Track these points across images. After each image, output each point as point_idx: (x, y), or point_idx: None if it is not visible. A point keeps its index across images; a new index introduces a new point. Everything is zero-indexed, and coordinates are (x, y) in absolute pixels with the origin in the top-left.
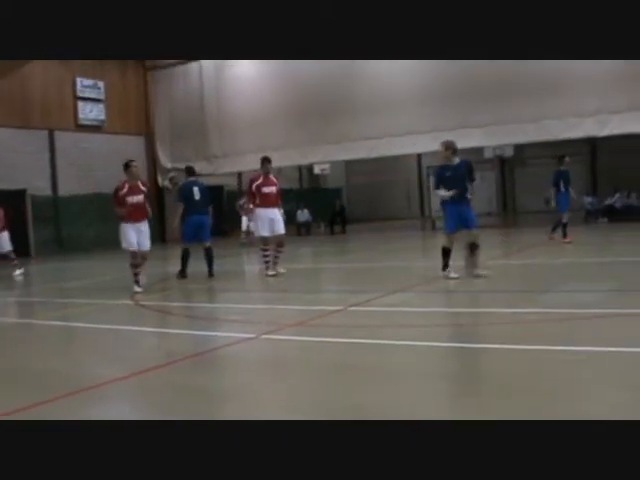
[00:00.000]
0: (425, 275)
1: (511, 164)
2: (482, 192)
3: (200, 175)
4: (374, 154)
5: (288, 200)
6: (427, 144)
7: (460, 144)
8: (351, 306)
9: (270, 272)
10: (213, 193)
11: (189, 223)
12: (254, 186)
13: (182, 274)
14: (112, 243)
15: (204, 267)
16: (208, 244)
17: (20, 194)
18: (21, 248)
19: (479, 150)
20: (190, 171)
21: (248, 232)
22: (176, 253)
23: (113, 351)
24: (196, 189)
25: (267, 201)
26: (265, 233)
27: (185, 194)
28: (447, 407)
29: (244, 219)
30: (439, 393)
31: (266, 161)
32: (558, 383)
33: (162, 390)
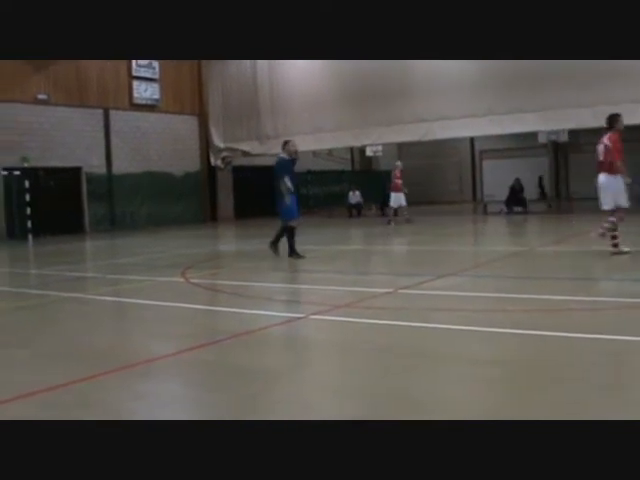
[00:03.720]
0: (476, 260)
1: (565, 150)
2: (535, 177)
3: (251, 155)
4: (428, 137)
5: (340, 181)
6: (481, 128)
7: (514, 129)
8: (401, 289)
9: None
10: (265, 173)
11: (293, 201)
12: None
13: (295, 254)
14: (164, 221)
15: (253, 245)
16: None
17: (75, 172)
18: (76, 225)
19: (533, 135)
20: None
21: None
22: (227, 232)
23: (162, 328)
24: (293, 167)
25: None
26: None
27: (288, 170)
28: (492, 396)
29: (395, 196)
30: (486, 380)
31: None
32: (606, 372)
33: (210, 368)
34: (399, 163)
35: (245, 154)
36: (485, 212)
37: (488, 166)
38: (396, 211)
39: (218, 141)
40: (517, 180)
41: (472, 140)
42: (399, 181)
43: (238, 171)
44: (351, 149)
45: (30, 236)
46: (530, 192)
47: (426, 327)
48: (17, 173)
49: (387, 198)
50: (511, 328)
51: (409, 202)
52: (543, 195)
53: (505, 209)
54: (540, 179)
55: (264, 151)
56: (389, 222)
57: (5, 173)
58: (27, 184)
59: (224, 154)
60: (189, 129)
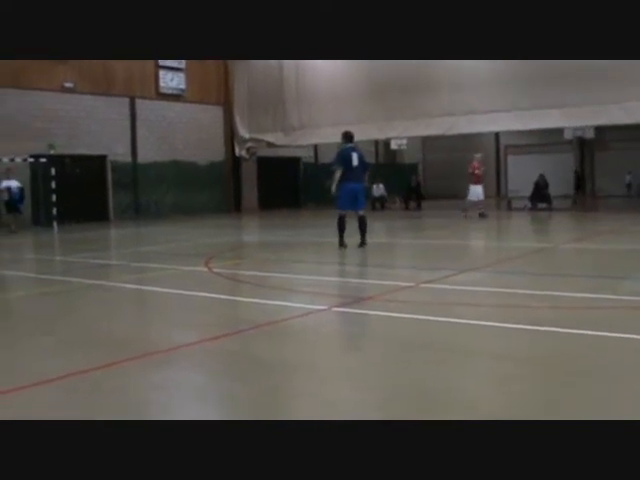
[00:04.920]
0: (498, 255)
1: (591, 146)
2: (559, 174)
3: (276, 146)
4: (453, 131)
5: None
6: (506, 123)
7: (539, 124)
8: (423, 283)
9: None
10: (290, 164)
11: (345, 190)
12: None
13: (341, 243)
14: (188, 210)
15: (276, 236)
16: (362, 212)
17: (101, 160)
18: (100, 212)
19: (559, 131)
20: (348, 137)
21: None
22: (251, 222)
23: (184, 317)
24: (355, 155)
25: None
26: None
27: (344, 160)
28: (515, 393)
29: (474, 188)
30: (509, 377)
31: None
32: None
33: (231, 359)
34: (479, 155)
35: (270, 145)
36: (509, 208)
37: (513, 161)
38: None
39: (243, 131)
40: (541, 176)
41: (497, 135)
42: (479, 172)
43: (263, 162)
44: (375, 142)
45: (55, 223)
46: (555, 188)
47: (448, 322)
48: (43, 160)
49: (411, 191)
50: (535, 325)
51: (434, 196)
52: (578, 189)
53: (529, 205)
54: (576, 174)
55: (289, 142)
56: (465, 216)
57: (32, 160)
58: (53, 171)
59: (249, 145)
60: (214, 119)
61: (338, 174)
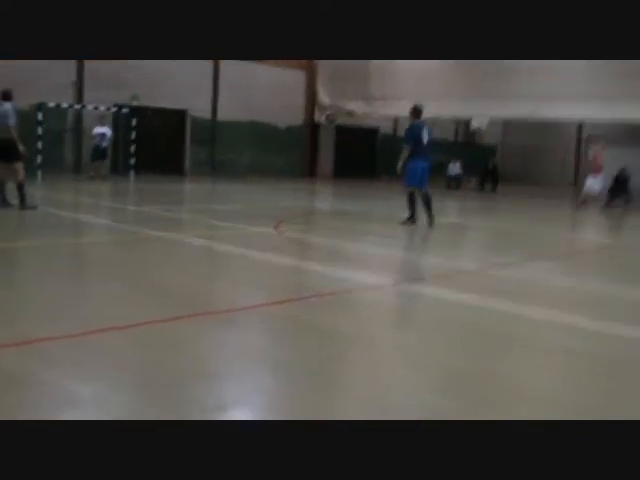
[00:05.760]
0: (570, 246)
1: None
2: None
3: (356, 115)
4: (536, 115)
5: (441, 151)
6: (591, 111)
7: (627, 114)
8: (489, 267)
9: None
10: (368, 134)
11: (416, 167)
12: None
13: (411, 219)
14: (263, 171)
15: (349, 206)
16: (426, 190)
17: (181, 114)
18: (176, 166)
19: None
20: (417, 112)
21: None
22: (325, 189)
23: (249, 277)
24: (425, 131)
25: None
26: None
27: (415, 137)
28: (576, 388)
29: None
30: (563, 369)
31: None
32: None
33: (291, 324)
34: (600, 145)
35: (350, 114)
36: (584, 200)
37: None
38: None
39: (324, 98)
40: (623, 170)
41: (580, 124)
42: (599, 161)
43: (341, 130)
44: (455, 119)
45: (132, 173)
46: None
47: (512, 309)
48: (125, 110)
49: (487, 173)
50: (599, 320)
51: (509, 179)
52: None
53: (606, 198)
54: None
55: (369, 112)
56: (580, 206)
57: (115, 109)
58: (134, 122)
59: (329, 111)
60: (296, 83)
61: (406, 152)
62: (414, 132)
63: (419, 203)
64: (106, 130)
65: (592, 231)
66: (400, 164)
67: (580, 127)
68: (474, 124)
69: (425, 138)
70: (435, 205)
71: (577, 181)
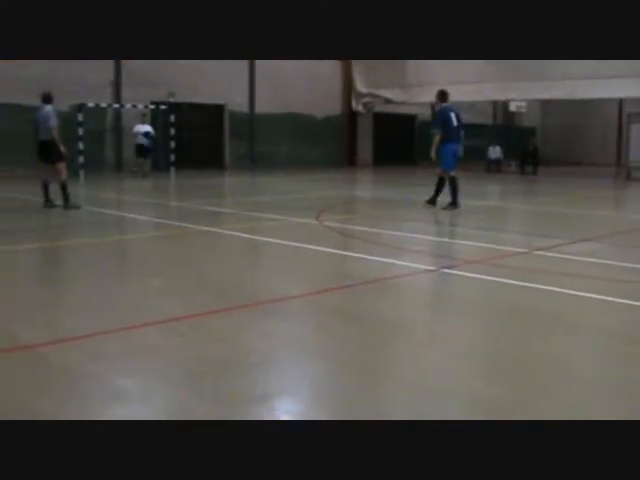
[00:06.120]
0: (615, 227)
1: None
2: None
3: (393, 102)
4: (575, 95)
5: (480, 135)
6: (630, 89)
7: None
8: (536, 250)
9: None
10: (405, 121)
11: (447, 151)
12: None
13: (454, 204)
14: (303, 162)
15: (389, 193)
16: (454, 173)
17: (219, 109)
18: (216, 160)
19: None
20: (444, 96)
21: None
22: (364, 177)
23: (292, 268)
24: (453, 115)
25: None
26: None
27: (444, 120)
28: (613, 370)
29: None
30: (611, 353)
31: None
32: None
33: (336, 313)
34: None
35: (387, 101)
36: (628, 178)
37: (636, 130)
38: None
39: (361, 86)
40: None
41: (621, 102)
42: None
43: (379, 117)
44: (493, 103)
45: (173, 169)
46: None
47: (559, 292)
48: (163, 107)
49: (527, 155)
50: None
51: (550, 161)
52: None
53: None
54: None
55: (406, 99)
56: None
57: (152, 107)
58: (172, 118)
59: (366, 99)
60: (332, 72)
61: (437, 138)
62: (442, 116)
63: (446, 186)
64: (149, 128)
65: (638, 209)
66: (434, 150)
67: (621, 104)
68: (512, 107)
69: (454, 121)
70: (476, 189)
71: (620, 160)
